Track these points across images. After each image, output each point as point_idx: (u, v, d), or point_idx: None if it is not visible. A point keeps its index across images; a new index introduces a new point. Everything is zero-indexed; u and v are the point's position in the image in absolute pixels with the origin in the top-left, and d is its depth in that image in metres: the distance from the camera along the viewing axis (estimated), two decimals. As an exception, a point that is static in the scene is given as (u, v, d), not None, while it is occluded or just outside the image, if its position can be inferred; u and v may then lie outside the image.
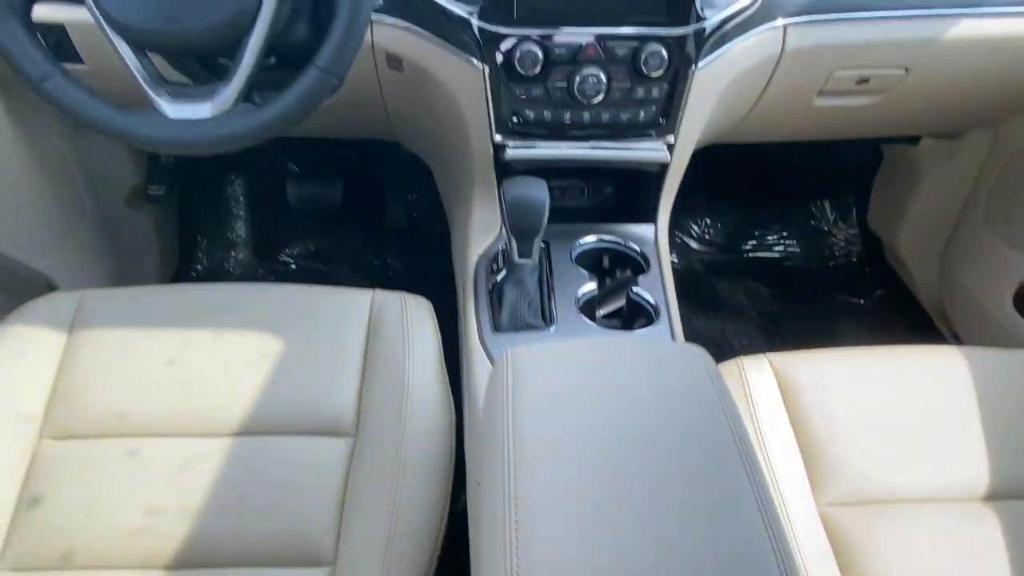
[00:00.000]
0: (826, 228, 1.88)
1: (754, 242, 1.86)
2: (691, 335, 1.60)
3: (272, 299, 0.97)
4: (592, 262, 1.09)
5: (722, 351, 1.59)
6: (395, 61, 1.05)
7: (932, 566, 0.80)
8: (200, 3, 0.77)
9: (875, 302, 1.74)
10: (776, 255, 1.86)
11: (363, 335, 0.94)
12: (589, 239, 1.08)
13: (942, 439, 0.91)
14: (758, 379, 0.96)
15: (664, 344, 0.82)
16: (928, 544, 0.82)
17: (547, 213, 0.92)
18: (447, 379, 0.91)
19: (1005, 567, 0.79)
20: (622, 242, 1.08)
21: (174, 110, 0.82)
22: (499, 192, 1.05)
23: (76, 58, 1.06)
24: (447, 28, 0.98)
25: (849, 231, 1.86)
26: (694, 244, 1.85)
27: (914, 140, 1.54)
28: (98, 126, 0.82)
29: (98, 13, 0.78)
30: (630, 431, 0.58)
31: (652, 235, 1.09)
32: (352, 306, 0.97)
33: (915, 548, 0.81)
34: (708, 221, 1.86)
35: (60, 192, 1.28)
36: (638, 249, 1.06)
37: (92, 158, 1.36)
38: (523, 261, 0.94)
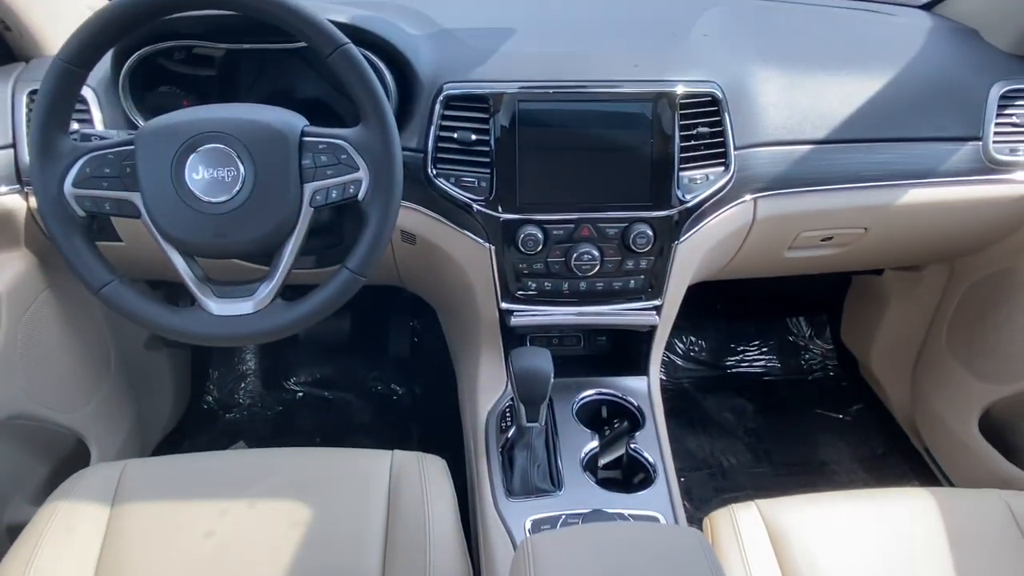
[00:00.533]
0: (802, 343, 2.00)
1: (736, 358, 1.97)
2: (683, 456, 1.70)
3: (299, 466, 1.05)
4: (590, 412, 1.18)
5: (712, 472, 1.67)
6: (409, 236, 1.17)
7: None
8: (246, 221, 0.88)
9: (853, 416, 1.84)
10: (757, 369, 1.97)
11: (384, 500, 1.00)
12: (588, 393, 1.18)
13: None
14: (748, 528, 1.04)
15: (665, 531, 0.89)
16: None
17: (552, 381, 1.02)
18: (464, 542, 0.97)
19: None
20: (619, 395, 1.18)
21: (219, 308, 0.92)
22: (507, 361, 1.15)
23: (115, 237, 1.17)
24: (457, 212, 1.11)
25: (824, 347, 1.98)
26: (680, 361, 1.96)
27: (878, 271, 1.68)
28: (152, 326, 0.92)
29: (155, 230, 0.89)
30: None
31: (645, 388, 1.20)
32: (373, 470, 1.03)
33: None
34: (693, 339, 1.98)
35: (90, 349, 1.37)
36: (635, 403, 1.16)
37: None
38: (531, 425, 1.03)
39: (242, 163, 0.87)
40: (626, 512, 0.96)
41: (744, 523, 1.04)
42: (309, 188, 0.90)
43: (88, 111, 1.11)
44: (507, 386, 1.19)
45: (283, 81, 1.28)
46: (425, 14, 1.22)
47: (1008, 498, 1.06)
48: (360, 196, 0.90)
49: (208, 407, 1.80)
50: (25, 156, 1.12)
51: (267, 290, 0.92)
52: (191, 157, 0.87)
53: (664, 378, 1.91)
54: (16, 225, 1.16)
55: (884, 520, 1.07)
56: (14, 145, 1.12)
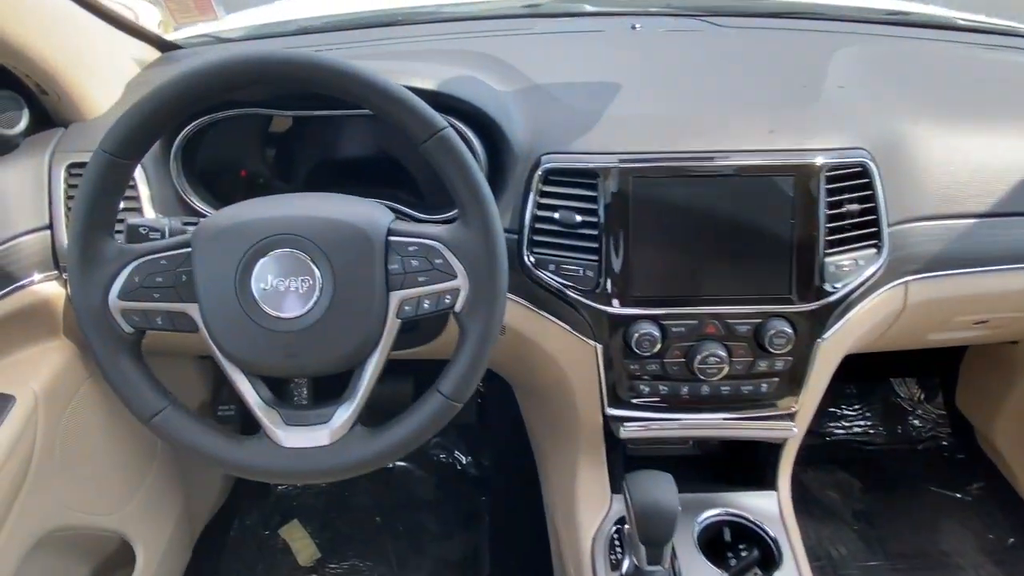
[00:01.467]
0: (910, 408, 1.79)
1: (835, 423, 1.78)
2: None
3: None
4: (711, 535, 1.01)
5: (823, 565, 1.48)
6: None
7: None
8: (322, 339, 0.73)
9: (974, 496, 1.63)
10: (859, 437, 1.77)
11: None
12: (711, 513, 1.01)
13: None
14: None
15: None
16: None
17: (677, 518, 0.85)
18: None
19: None
20: (750, 519, 1.00)
21: (289, 438, 0.77)
22: (612, 478, 0.98)
23: None
24: (556, 304, 0.94)
25: (936, 412, 1.78)
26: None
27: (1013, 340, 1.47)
28: (210, 459, 0.77)
29: (215, 348, 0.74)
30: None
31: (775, 507, 1.02)
32: None
33: None
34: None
35: (135, 439, 1.23)
36: (769, 532, 0.98)
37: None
38: (653, 569, 0.86)
39: (319, 270, 0.73)
40: None
41: None
42: (396, 297, 0.74)
43: (135, 187, 0.97)
44: (611, 505, 1.02)
45: (339, 142, 1.13)
46: (508, 63, 1.05)
47: None
48: (457, 308, 0.74)
49: (258, 483, 1.66)
50: (63, 238, 0.98)
51: (345, 415, 0.76)
52: (259, 264, 0.73)
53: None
54: (54, 314, 1.02)
55: None
56: (51, 226, 0.98)
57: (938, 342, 1.19)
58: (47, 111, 1.04)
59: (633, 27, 1.21)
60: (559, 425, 1.10)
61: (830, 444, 1.74)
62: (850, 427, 1.78)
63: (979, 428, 1.65)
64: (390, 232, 0.74)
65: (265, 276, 0.72)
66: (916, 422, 1.77)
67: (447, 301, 0.74)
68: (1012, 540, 1.54)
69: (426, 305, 0.75)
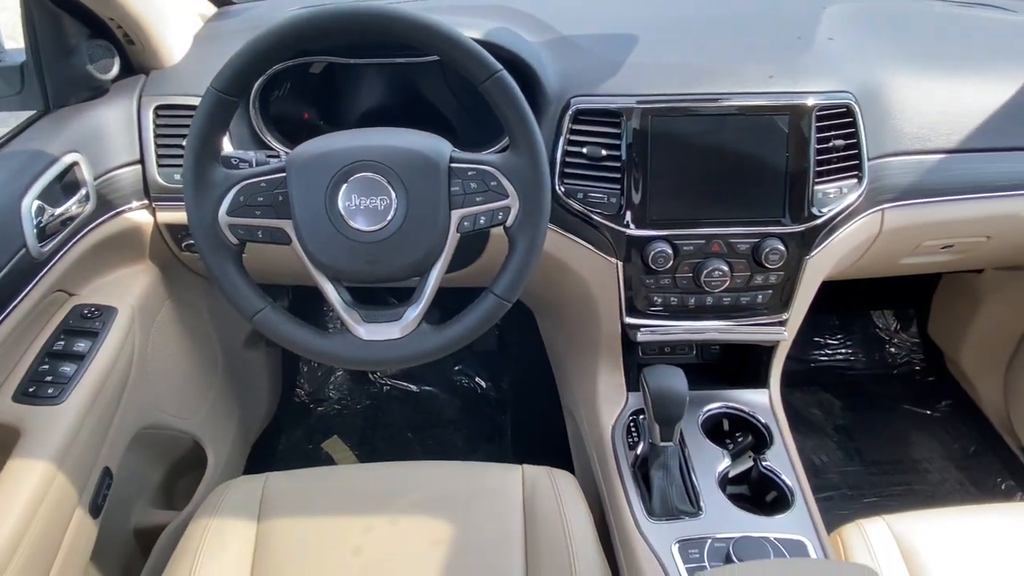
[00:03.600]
0: (886, 337, 1.97)
1: (820, 351, 1.96)
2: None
3: (434, 480, 1.06)
4: (713, 426, 1.18)
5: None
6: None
7: None
8: (397, 248, 0.88)
9: (942, 413, 1.82)
10: (841, 363, 1.95)
11: (520, 517, 1.01)
12: (713, 406, 1.18)
13: None
14: (880, 545, 1.03)
15: (841, 568, 0.89)
16: None
17: (687, 401, 1.02)
18: (606, 562, 0.98)
19: None
20: (746, 410, 1.17)
21: (367, 332, 0.92)
22: (627, 375, 1.15)
23: None
24: (583, 228, 1.10)
25: (911, 340, 1.96)
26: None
27: (979, 269, 1.64)
28: (301, 350, 0.93)
29: (306, 257, 0.89)
30: None
31: (767, 401, 1.19)
32: (506, 486, 1.04)
33: None
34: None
35: (202, 353, 1.39)
36: (761, 419, 1.16)
37: (221, 311, 1.47)
38: (666, 444, 1.04)
39: (394, 191, 0.87)
40: (772, 536, 0.96)
41: (875, 540, 1.04)
42: (457, 214, 0.89)
43: None
44: (627, 399, 1.19)
45: (386, 90, 1.26)
46: (537, 17, 1.19)
47: None
48: (509, 223, 0.89)
49: (300, 401, 1.83)
50: (153, 171, 1.12)
51: (414, 314, 0.91)
52: (344, 186, 0.86)
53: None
54: (143, 239, 1.17)
55: (1018, 534, 1.06)
56: (142, 161, 1.12)
57: (910, 267, 1.36)
58: (130, 61, 1.17)
59: None
60: (580, 338, 1.26)
61: (815, 369, 1.93)
62: (833, 355, 1.96)
63: (948, 353, 1.83)
64: (451, 160, 0.88)
65: (350, 196, 0.86)
66: (892, 349, 1.96)
67: (500, 217, 0.89)
68: (974, 448, 1.74)
69: (482, 221, 0.89)
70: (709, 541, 0.97)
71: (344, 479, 1.08)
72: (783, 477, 1.07)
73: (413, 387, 1.86)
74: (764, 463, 1.09)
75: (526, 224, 0.89)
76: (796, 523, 1.01)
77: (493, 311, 0.92)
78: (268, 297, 0.93)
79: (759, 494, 1.10)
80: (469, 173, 0.88)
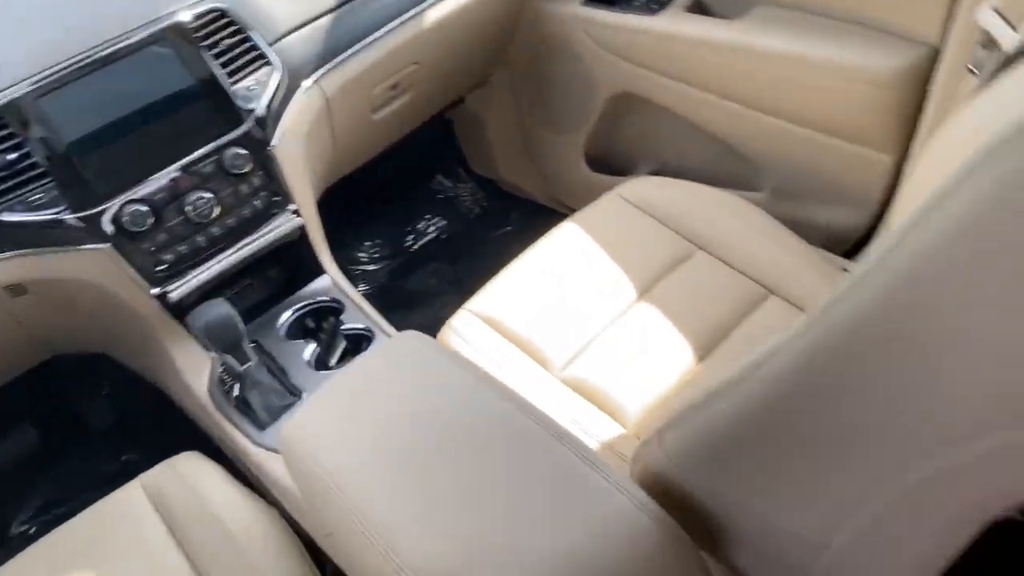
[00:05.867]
0: (454, 195, 2.20)
1: (413, 236, 2.12)
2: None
3: (53, 553, 0.95)
4: (302, 330, 1.23)
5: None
6: (16, 288, 1.07)
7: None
8: None
9: (516, 225, 2.10)
10: (435, 235, 2.14)
11: (163, 529, 0.94)
12: (285, 315, 1.22)
13: (596, 303, 1.18)
14: (471, 330, 1.17)
15: (385, 344, 0.95)
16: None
17: (237, 319, 1.05)
18: (257, 501, 0.96)
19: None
20: (312, 300, 1.24)
21: None
22: (187, 328, 1.13)
23: None
24: (48, 235, 1.04)
25: (471, 187, 2.21)
26: (372, 267, 2.06)
27: (460, 101, 1.90)
28: None
29: None
30: (415, 419, 0.72)
31: (330, 282, 1.27)
32: (132, 511, 0.97)
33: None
34: (368, 243, 2.08)
35: None
36: (327, 297, 1.23)
37: None
38: (246, 366, 1.06)
39: None
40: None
41: (464, 328, 1.18)
42: None
43: None
44: (209, 357, 1.18)
45: None
46: None
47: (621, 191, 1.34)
48: None
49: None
50: None
51: None
52: None
53: (367, 287, 2.00)
54: None
55: (552, 252, 1.26)
56: None
57: (390, 124, 1.51)
58: None
59: None
60: (138, 334, 1.20)
61: (417, 252, 2.08)
62: (426, 232, 2.13)
63: (494, 179, 2.11)
64: None
65: None
66: (467, 200, 2.19)
67: None
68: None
69: None
70: None
71: None
72: (359, 326, 1.16)
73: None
74: (343, 327, 1.17)
75: None
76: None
77: None
78: None
79: (356, 352, 1.18)
80: None
